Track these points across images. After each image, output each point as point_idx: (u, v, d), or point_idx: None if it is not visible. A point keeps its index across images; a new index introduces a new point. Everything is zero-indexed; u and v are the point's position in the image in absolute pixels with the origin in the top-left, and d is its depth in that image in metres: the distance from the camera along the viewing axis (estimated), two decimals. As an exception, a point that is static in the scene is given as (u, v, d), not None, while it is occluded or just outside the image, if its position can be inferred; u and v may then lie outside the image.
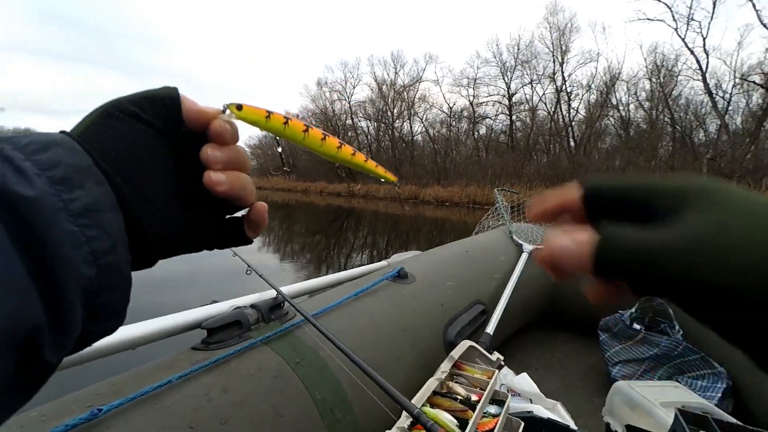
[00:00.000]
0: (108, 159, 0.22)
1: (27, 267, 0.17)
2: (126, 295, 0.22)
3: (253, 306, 0.83)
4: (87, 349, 0.58)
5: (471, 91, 23.18)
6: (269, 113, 0.27)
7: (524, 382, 1.14)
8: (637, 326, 1.37)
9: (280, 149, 0.32)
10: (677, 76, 16.48)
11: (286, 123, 0.28)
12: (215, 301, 0.84)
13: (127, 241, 0.22)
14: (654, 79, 17.35)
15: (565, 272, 0.21)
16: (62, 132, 0.22)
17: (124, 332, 0.66)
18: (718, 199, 0.19)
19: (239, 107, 0.26)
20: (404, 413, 0.79)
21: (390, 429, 0.71)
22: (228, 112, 0.26)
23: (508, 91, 21.59)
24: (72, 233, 0.19)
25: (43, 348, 0.17)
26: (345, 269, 1.32)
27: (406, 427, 0.73)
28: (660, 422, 0.99)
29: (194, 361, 0.65)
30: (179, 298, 3.03)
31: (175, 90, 0.25)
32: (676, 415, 0.94)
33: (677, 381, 1.23)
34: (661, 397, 1.06)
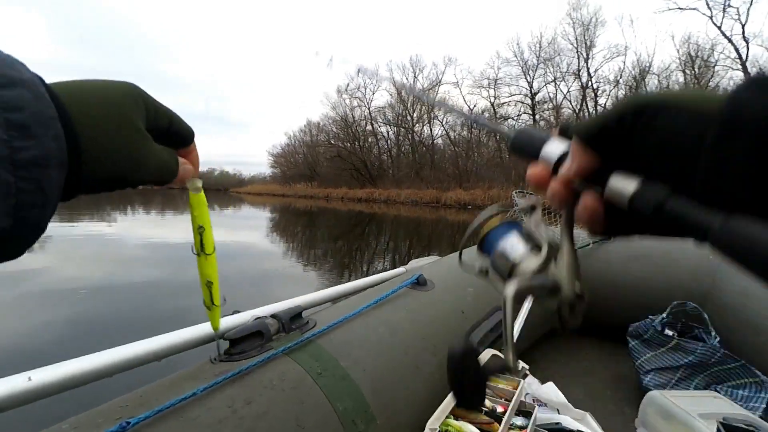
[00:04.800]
0: (82, 114, 0.23)
1: None
2: (32, 241, 0.21)
3: (273, 316, 0.85)
4: (115, 362, 0.61)
5: (492, 91, 22.96)
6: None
7: (550, 391, 1.10)
8: (669, 332, 1.31)
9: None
10: (714, 67, 15.74)
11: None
12: (236, 311, 0.86)
13: (59, 196, 0.21)
14: (688, 71, 16.65)
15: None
16: (29, 70, 0.21)
17: (151, 344, 0.68)
18: None
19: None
20: (428, 426, 0.78)
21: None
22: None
23: (530, 90, 21.23)
24: (5, 184, 0.18)
25: None
26: (367, 275, 1.33)
27: (429, 438, 0.73)
28: (699, 435, 0.94)
29: (218, 373, 0.67)
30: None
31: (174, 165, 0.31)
32: (718, 429, 0.89)
33: (715, 390, 1.17)
34: (699, 408, 1.01)
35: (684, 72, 16.68)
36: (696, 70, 16.09)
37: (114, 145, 0.24)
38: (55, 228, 7.35)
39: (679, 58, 16.77)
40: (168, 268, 4.59)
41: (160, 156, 0.28)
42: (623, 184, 0.22)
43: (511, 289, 0.27)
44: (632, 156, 0.22)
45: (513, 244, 0.32)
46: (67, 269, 4.24)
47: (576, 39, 19.05)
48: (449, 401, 0.85)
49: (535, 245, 0.31)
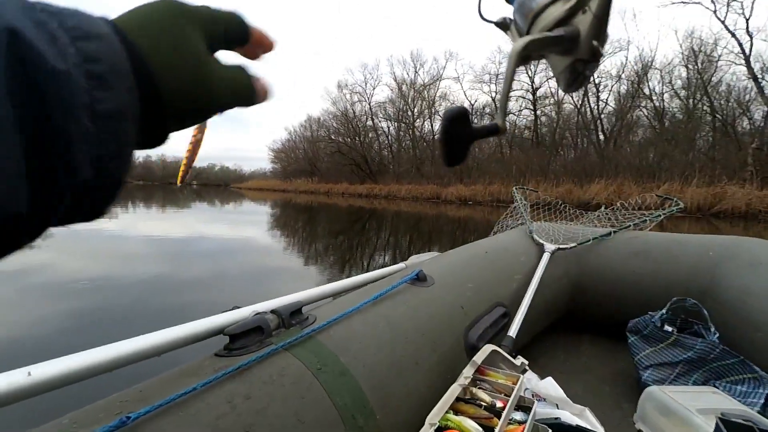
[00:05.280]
0: (154, 60, 0.22)
1: (27, 153, 0.16)
2: (113, 195, 0.21)
3: (273, 311, 0.85)
4: (116, 357, 0.61)
5: (493, 86, 22.86)
6: None
7: (550, 386, 1.11)
8: (668, 328, 1.31)
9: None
10: (717, 62, 15.61)
11: None
12: (236, 307, 0.86)
13: (132, 151, 0.22)
14: (691, 66, 16.53)
15: None
16: (107, 20, 0.21)
17: (152, 339, 0.68)
18: None
19: None
20: (427, 421, 0.78)
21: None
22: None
23: (531, 86, 21.14)
24: (87, 133, 0.18)
25: (21, 235, 0.17)
26: (367, 270, 1.33)
27: (429, 434, 0.73)
28: (698, 431, 0.94)
29: (217, 368, 0.67)
30: (203, 299, 3.13)
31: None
32: (717, 424, 0.89)
33: (714, 386, 1.17)
34: (697, 404, 1.01)
35: (687, 67, 16.57)
36: (699, 64, 15.97)
37: (189, 86, 0.23)
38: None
39: (682, 53, 16.66)
40: (167, 264, 4.60)
41: (230, 78, 0.26)
42: None
43: (518, 44, 0.24)
44: None
45: None
46: (67, 264, 4.25)
47: (578, 34, 18.90)
48: (449, 396, 0.85)
49: None
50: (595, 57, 0.26)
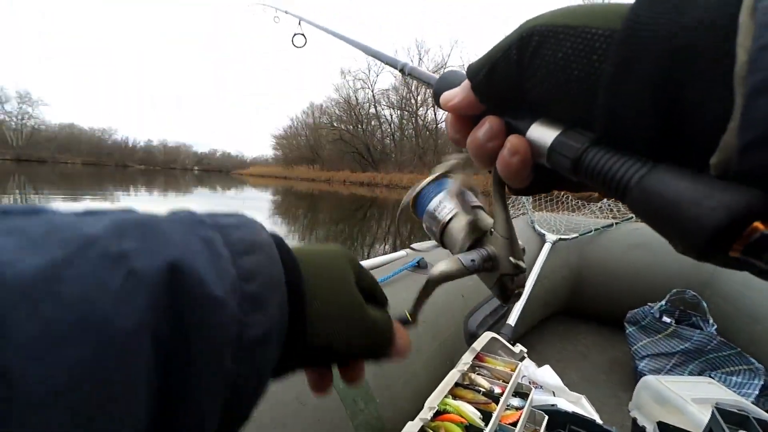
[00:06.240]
0: (313, 281, 0.21)
1: (151, 404, 0.13)
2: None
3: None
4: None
5: (497, 75, 22.53)
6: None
7: (547, 374, 1.12)
8: (666, 319, 1.32)
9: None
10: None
11: None
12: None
13: (268, 381, 0.18)
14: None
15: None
16: (271, 234, 0.20)
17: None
18: None
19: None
20: (426, 405, 0.80)
21: (412, 419, 0.72)
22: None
23: (535, 74, 20.82)
24: (226, 375, 0.15)
25: None
26: (368, 257, 1.34)
27: (429, 418, 0.74)
28: (693, 420, 0.96)
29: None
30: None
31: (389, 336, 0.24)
32: (713, 413, 0.90)
33: (710, 377, 1.19)
34: (693, 393, 1.03)
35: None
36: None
37: (336, 309, 0.21)
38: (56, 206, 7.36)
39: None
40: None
41: (375, 318, 0.23)
42: (542, 134, 0.18)
43: (435, 269, 0.26)
44: (527, 100, 0.18)
45: (442, 202, 0.30)
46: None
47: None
48: (448, 381, 0.86)
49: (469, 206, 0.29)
50: (518, 269, 0.26)
